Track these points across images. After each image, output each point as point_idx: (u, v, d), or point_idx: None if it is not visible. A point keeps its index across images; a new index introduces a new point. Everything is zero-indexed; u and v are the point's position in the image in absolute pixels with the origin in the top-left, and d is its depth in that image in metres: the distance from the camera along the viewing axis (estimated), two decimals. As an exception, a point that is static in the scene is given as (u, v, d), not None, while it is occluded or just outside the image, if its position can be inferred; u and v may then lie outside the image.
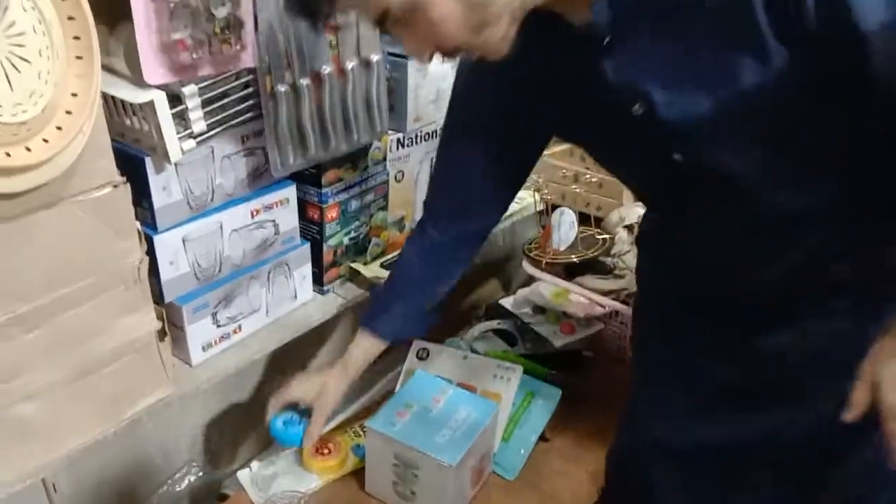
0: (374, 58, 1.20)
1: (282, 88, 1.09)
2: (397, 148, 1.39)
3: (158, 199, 1.04)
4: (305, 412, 1.16)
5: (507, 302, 1.57)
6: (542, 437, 1.28)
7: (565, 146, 1.70)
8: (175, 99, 0.99)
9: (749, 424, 1.00)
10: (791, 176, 0.84)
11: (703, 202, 0.91)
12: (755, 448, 1.01)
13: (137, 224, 0.98)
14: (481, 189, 1.07)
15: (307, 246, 1.28)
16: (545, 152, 1.70)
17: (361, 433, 1.23)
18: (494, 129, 1.02)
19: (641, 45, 0.79)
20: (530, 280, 1.61)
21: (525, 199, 1.72)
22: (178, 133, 1.00)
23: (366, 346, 1.15)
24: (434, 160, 1.14)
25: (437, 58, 0.81)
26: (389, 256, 1.43)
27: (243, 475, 1.18)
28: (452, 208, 1.09)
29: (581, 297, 1.50)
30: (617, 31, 0.80)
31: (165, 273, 1.08)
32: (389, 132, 1.34)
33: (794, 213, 0.87)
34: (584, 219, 1.61)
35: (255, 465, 1.19)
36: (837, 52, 0.71)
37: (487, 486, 1.20)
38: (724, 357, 1.01)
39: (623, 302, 1.46)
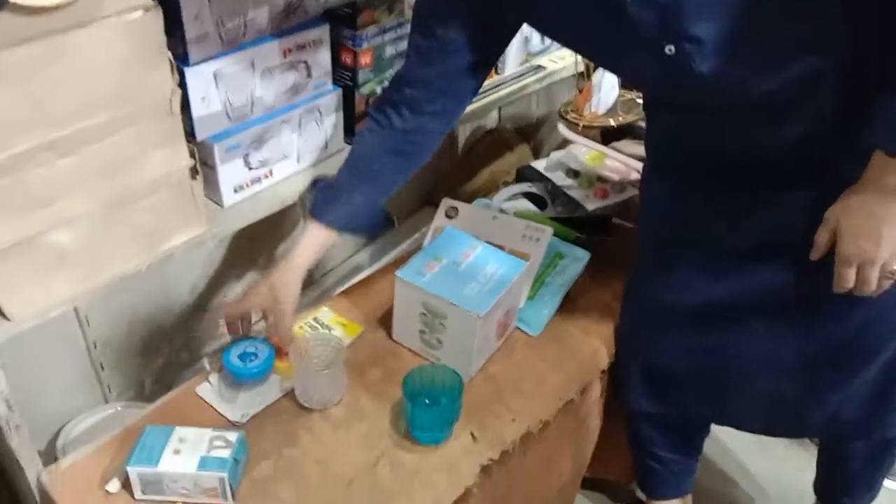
0: None
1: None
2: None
3: (190, 29, 1.00)
4: (264, 341, 1.11)
5: (539, 164, 1.54)
6: (567, 299, 1.29)
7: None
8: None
9: (750, 283, 1.05)
10: (776, 56, 0.85)
11: (696, 95, 0.91)
12: (754, 303, 1.06)
13: (169, 54, 0.94)
14: (450, 76, 1.02)
15: (339, 92, 1.24)
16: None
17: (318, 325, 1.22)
18: (468, 16, 0.98)
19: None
20: (564, 143, 1.57)
21: (564, 59, 1.65)
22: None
23: (315, 237, 1.09)
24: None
25: None
26: (422, 109, 1.38)
27: (203, 389, 1.10)
28: (418, 95, 1.04)
29: (617, 162, 1.46)
30: None
31: (197, 109, 1.06)
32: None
33: (785, 95, 0.88)
34: (623, 83, 1.54)
35: (213, 378, 1.11)
36: None
37: (511, 340, 1.22)
38: (731, 219, 1.04)
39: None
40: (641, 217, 1.20)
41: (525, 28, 1.51)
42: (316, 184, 1.20)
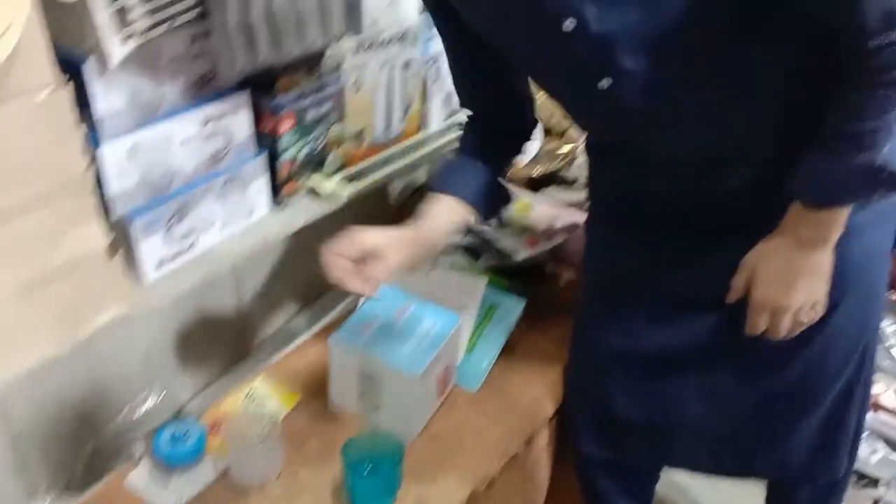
0: (328, -45, 1.13)
1: (229, -15, 1.02)
2: (354, 54, 1.33)
3: (102, 105, 0.98)
4: (195, 421, 1.05)
5: (469, 217, 1.54)
6: (505, 349, 1.29)
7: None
8: (114, -5, 0.92)
9: (694, 330, 1.06)
10: (709, 102, 0.87)
11: (632, 129, 0.93)
12: (699, 350, 1.07)
13: (83, 130, 0.92)
14: (493, 98, 1.11)
15: (262, 157, 1.23)
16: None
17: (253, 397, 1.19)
18: (463, 46, 1.04)
19: None
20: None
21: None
22: (119, 32, 0.93)
23: (447, 207, 1.05)
24: None
25: None
26: (348, 171, 1.38)
27: (133, 476, 1.05)
28: (483, 115, 1.13)
29: (544, 210, 1.48)
30: None
31: (113, 185, 1.03)
32: (347, 35, 1.27)
33: (720, 142, 0.90)
34: (547, 131, 1.58)
35: (144, 464, 1.05)
36: None
37: (452, 395, 1.21)
38: (671, 267, 1.05)
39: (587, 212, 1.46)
40: (585, 262, 1.21)
41: (447, 85, 1.54)
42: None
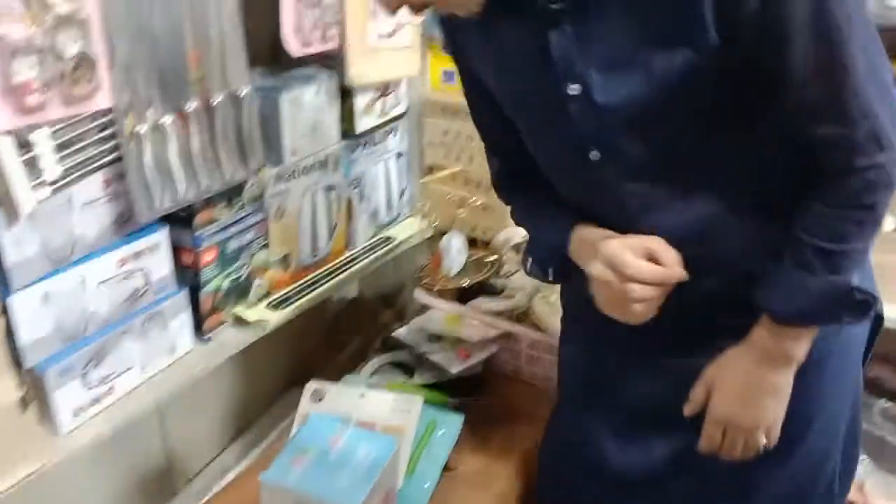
0: (243, 91, 1.16)
1: (143, 128, 1.03)
2: (276, 183, 1.34)
3: (11, 255, 0.95)
4: None
5: (401, 333, 1.54)
6: (447, 467, 1.26)
7: (447, 171, 1.70)
8: (26, 144, 0.91)
9: (668, 445, 1.00)
10: (696, 177, 0.85)
11: (616, 207, 0.89)
12: (668, 468, 1.01)
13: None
14: (516, 145, 1.02)
15: (183, 293, 1.21)
16: (429, 178, 1.72)
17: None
18: (484, 101, 1.00)
19: (589, 27, 0.79)
20: (424, 308, 1.59)
21: (412, 227, 1.71)
22: (30, 181, 0.92)
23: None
24: None
25: (404, 10, 0.81)
26: (274, 297, 1.37)
27: None
28: (508, 158, 1.08)
29: (474, 321, 1.49)
30: (569, 13, 0.79)
31: (25, 336, 0.99)
32: (266, 166, 1.29)
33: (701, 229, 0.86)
34: (472, 242, 1.61)
35: None
36: (763, 47, 0.73)
37: (395, 525, 1.16)
38: (637, 381, 1.00)
39: (516, 321, 1.47)
40: (559, 362, 1.18)
41: (373, 203, 1.56)
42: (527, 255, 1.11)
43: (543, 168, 1.00)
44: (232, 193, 1.24)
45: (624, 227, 0.89)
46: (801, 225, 0.81)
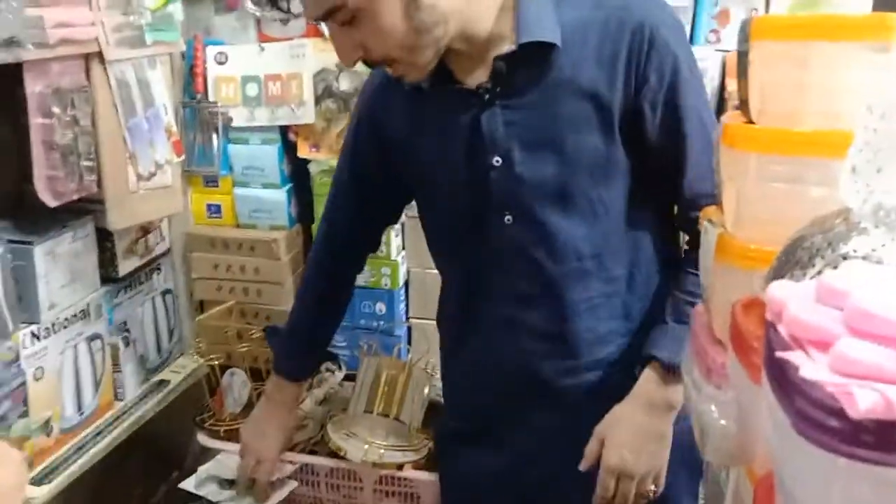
0: (-8, 248, 1.05)
1: None
2: (32, 342, 1.21)
3: None
4: None
5: (188, 484, 1.42)
6: None
7: (220, 307, 1.64)
8: None
9: None
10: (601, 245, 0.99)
11: (511, 263, 1.00)
12: None
13: None
14: (371, 227, 1.20)
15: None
16: (203, 315, 1.65)
17: None
18: (356, 161, 1.11)
19: (515, 111, 0.93)
20: (209, 453, 1.49)
21: (185, 368, 1.62)
22: None
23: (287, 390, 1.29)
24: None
25: (360, 65, 0.91)
26: (41, 469, 1.21)
27: None
28: (347, 236, 1.19)
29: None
30: (500, 96, 0.93)
31: None
32: (21, 326, 1.17)
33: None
34: (255, 374, 1.56)
35: None
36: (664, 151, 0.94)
37: None
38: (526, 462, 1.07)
39: (311, 452, 1.43)
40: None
41: (140, 347, 1.46)
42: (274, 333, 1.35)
43: (440, 231, 1.10)
44: (-18, 361, 1.10)
45: (518, 292, 1.01)
46: (676, 286, 0.99)
